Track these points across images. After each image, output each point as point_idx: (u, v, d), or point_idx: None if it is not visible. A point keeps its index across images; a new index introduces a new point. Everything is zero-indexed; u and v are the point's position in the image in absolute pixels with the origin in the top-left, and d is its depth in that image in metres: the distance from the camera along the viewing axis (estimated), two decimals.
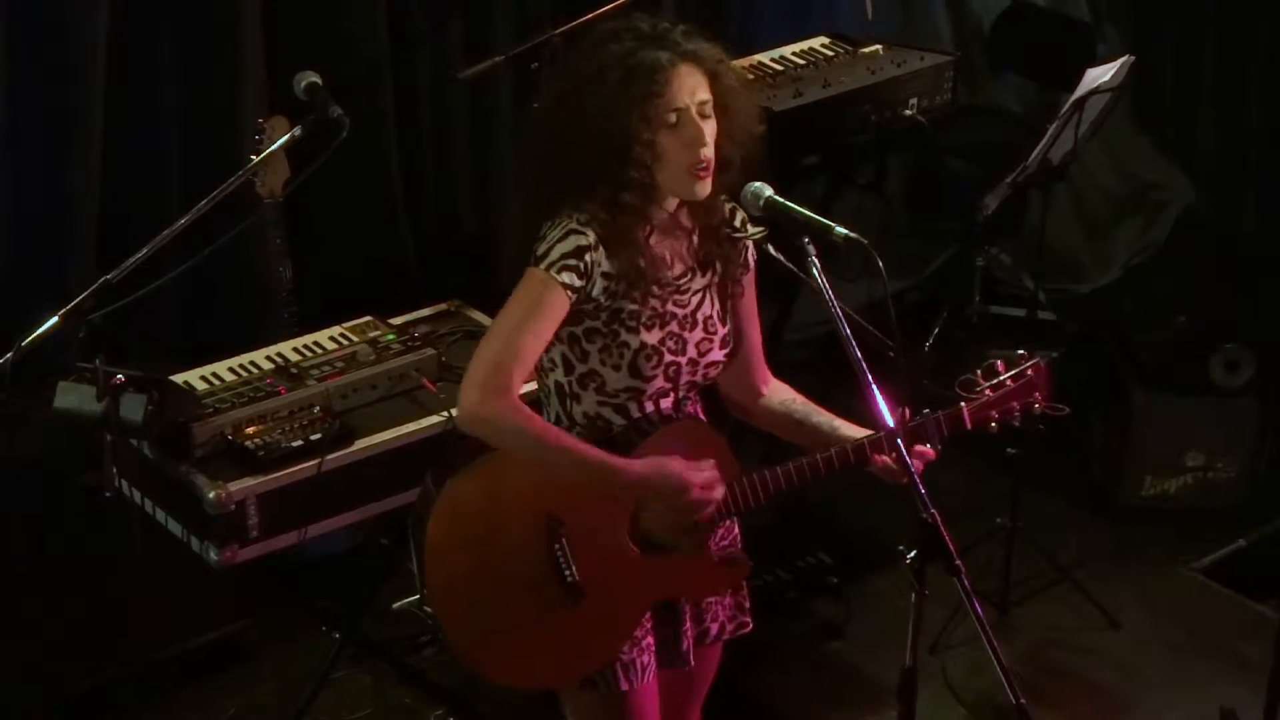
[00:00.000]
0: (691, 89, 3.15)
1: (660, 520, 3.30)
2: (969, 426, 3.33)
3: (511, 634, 3.30)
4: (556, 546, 3.28)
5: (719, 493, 3.26)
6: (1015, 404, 3.36)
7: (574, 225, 3.18)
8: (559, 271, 3.16)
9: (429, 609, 3.42)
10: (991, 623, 4.61)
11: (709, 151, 3.17)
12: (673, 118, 3.14)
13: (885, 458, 3.25)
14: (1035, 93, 6.84)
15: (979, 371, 3.37)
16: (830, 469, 3.31)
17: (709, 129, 3.17)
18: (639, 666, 3.35)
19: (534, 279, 3.18)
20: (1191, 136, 7.22)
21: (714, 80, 3.19)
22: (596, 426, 3.31)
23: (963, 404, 3.33)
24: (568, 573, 3.28)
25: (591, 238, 3.17)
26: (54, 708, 4.48)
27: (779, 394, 3.50)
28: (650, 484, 3.22)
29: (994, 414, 3.35)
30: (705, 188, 3.20)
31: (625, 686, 3.35)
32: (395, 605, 4.96)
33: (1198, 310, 5.72)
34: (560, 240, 3.17)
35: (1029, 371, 3.37)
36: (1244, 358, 5.57)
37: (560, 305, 3.17)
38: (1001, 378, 3.36)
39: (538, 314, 3.17)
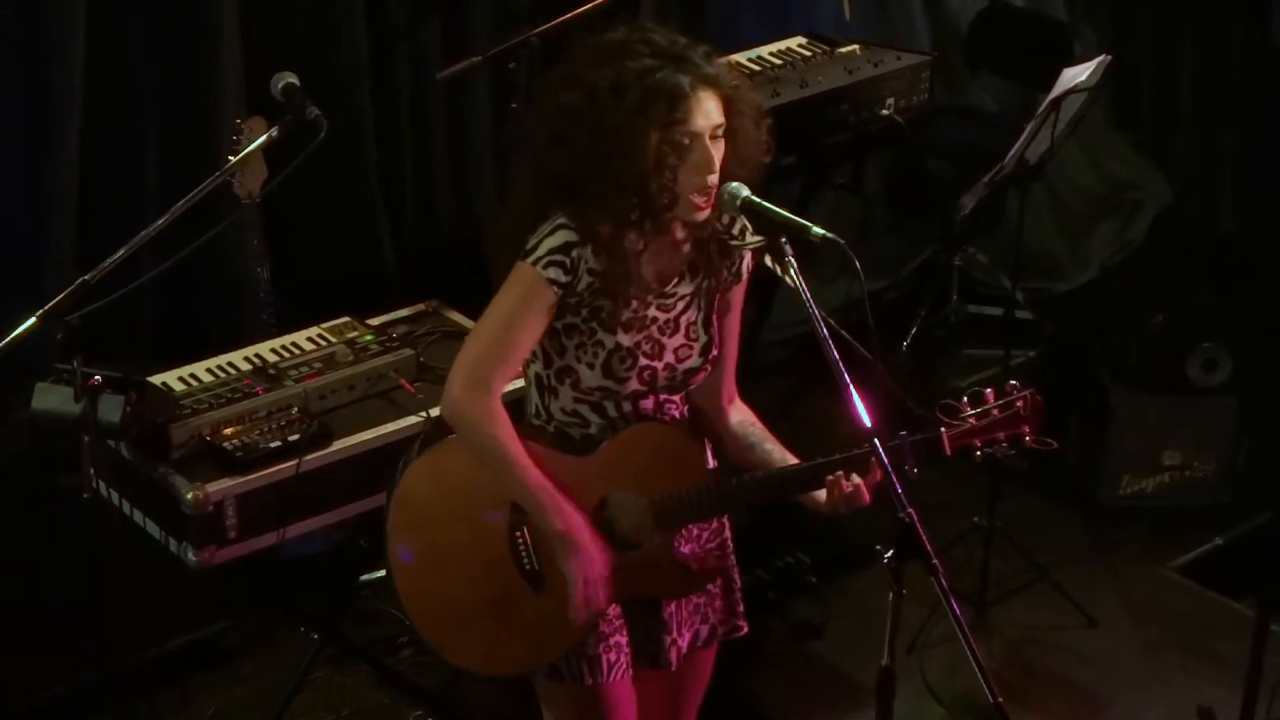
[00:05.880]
0: (707, 113, 3.13)
1: (623, 519, 3.31)
2: (949, 453, 3.26)
3: (471, 615, 3.31)
4: (518, 534, 3.29)
5: (592, 607, 3.26)
6: (1001, 435, 3.27)
7: (563, 220, 3.18)
8: (545, 267, 3.17)
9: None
10: (969, 622, 4.67)
11: (715, 178, 3.15)
12: (687, 140, 3.12)
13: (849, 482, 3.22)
14: (1012, 92, 6.86)
15: (965, 398, 3.29)
16: (803, 480, 3.29)
17: (718, 153, 3.15)
18: (605, 663, 3.35)
19: (522, 273, 3.19)
20: (1168, 136, 7.25)
21: (728, 105, 3.16)
22: (573, 423, 3.31)
23: (942, 429, 3.25)
24: (527, 561, 3.29)
25: (580, 234, 3.17)
26: (33, 709, 4.47)
27: (740, 414, 3.49)
28: (564, 549, 3.24)
29: (977, 443, 3.27)
30: (704, 214, 3.18)
31: (589, 681, 3.35)
32: (363, 578, 4.96)
33: (1175, 309, 5.73)
34: (549, 235, 3.18)
35: (1018, 403, 3.28)
36: (1221, 357, 5.59)
37: (547, 300, 3.19)
38: (988, 406, 3.27)
39: (525, 308, 3.19)
